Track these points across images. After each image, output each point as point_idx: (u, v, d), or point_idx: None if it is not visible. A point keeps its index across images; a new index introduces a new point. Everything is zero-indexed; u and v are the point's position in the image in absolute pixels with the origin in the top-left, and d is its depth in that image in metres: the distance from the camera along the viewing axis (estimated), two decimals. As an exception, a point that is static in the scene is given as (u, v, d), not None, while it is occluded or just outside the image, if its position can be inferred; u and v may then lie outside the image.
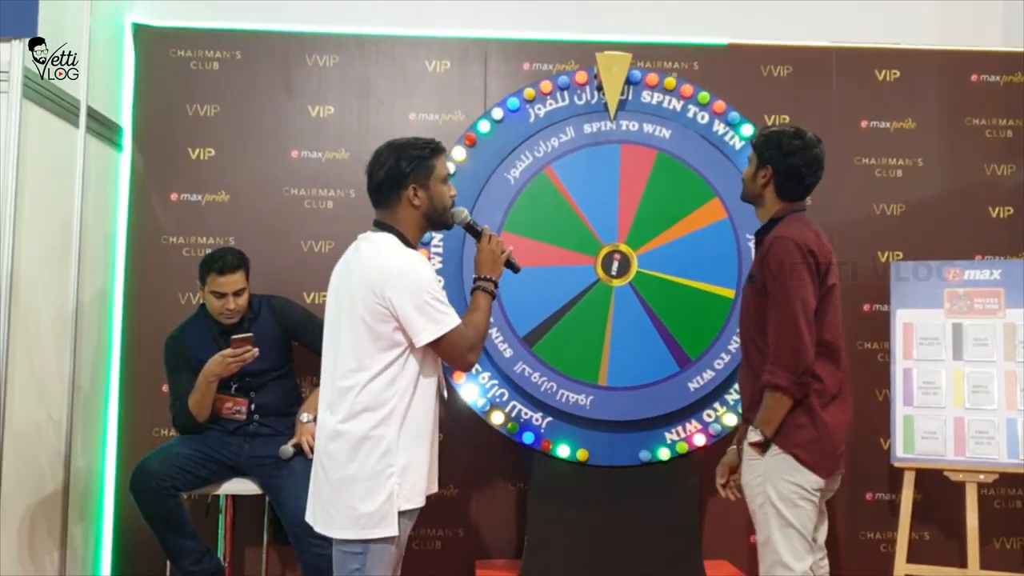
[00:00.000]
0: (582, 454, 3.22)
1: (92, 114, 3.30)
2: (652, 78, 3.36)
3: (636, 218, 3.28)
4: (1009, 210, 3.79)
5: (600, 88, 3.31)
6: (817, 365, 2.37)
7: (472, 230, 2.46)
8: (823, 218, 2.60)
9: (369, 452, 2.15)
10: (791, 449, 2.37)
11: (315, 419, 2.52)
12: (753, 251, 3.24)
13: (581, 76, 3.34)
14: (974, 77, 3.83)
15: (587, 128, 3.31)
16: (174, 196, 3.59)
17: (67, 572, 3.18)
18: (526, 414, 3.24)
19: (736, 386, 3.25)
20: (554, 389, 3.21)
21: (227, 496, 3.26)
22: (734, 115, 3.37)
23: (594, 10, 3.77)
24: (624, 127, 3.32)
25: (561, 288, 3.24)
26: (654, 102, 3.36)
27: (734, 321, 3.23)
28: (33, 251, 2.96)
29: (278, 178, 3.63)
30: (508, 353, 3.21)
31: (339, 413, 2.18)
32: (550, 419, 3.24)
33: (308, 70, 3.67)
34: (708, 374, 3.25)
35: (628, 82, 3.32)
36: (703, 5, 3.82)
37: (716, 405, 3.28)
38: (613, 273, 3.27)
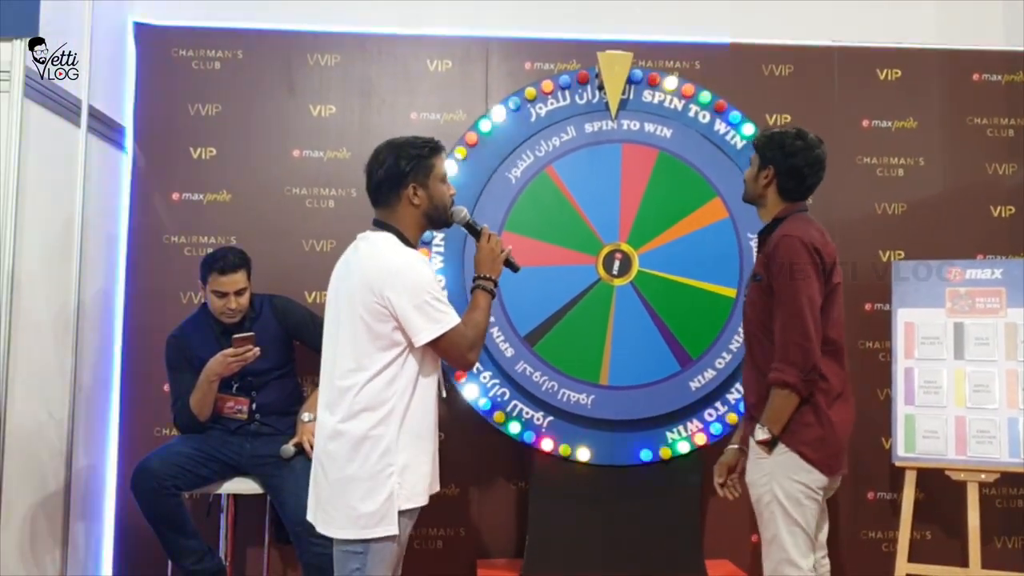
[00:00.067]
0: (583, 453, 3.22)
1: (94, 113, 3.31)
2: (653, 77, 3.36)
3: (637, 217, 3.28)
4: (1011, 209, 3.79)
5: (601, 87, 3.31)
6: (823, 364, 2.39)
7: (471, 229, 2.47)
8: (824, 217, 2.60)
9: (369, 452, 2.14)
10: (798, 447, 2.38)
11: (316, 418, 2.52)
12: (754, 250, 3.25)
13: (582, 75, 3.34)
14: (975, 76, 3.83)
15: (588, 127, 3.31)
16: (176, 195, 3.60)
17: (68, 571, 3.18)
18: (527, 413, 3.24)
19: (737, 385, 3.26)
20: (555, 388, 3.21)
21: (228, 495, 3.26)
22: (735, 114, 3.36)
23: (595, 9, 3.77)
24: (625, 126, 3.32)
25: (562, 287, 3.24)
26: (655, 101, 3.36)
27: (735, 320, 3.24)
28: (34, 250, 2.96)
29: (280, 177, 3.63)
30: (509, 352, 3.21)
31: (338, 413, 2.18)
32: (551, 418, 3.24)
33: (310, 69, 3.67)
34: (709, 373, 3.25)
35: (629, 81, 3.32)
36: (704, 4, 3.82)
37: (717, 404, 3.28)
38: (614, 272, 3.27)
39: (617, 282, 3.27)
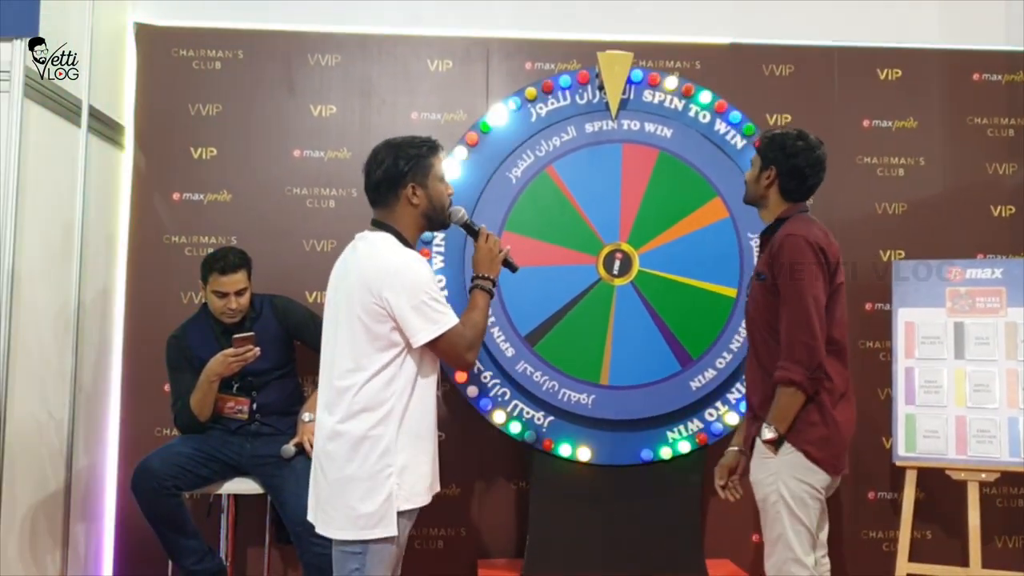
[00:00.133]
0: (584, 453, 3.22)
1: (94, 113, 3.31)
2: (654, 77, 3.36)
3: (638, 217, 3.28)
4: (1011, 209, 3.79)
5: (602, 87, 3.31)
6: (827, 363, 2.40)
7: (470, 229, 2.47)
8: (825, 217, 2.61)
9: (368, 452, 2.14)
10: (803, 446, 2.39)
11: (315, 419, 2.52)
12: (755, 250, 3.25)
13: (583, 75, 3.34)
14: (976, 76, 3.83)
15: (589, 127, 3.31)
16: (176, 195, 3.60)
17: (68, 571, 3.19)
18: (528, 413, 3.24)
19: (738, 385, 3.26)
20: (556, 388, 3.21)
21: (229, 496, 3.26)
22: (736, 114, 3.37)
23: (596, 9, 3.78)
24: (626, 126, 3.32)
25: (563, 287, 3.24)
26: (656, 101, 3.36)
27: (736, 320, 3.24)
28: (35, 250, 2.97)
29: (280, 177, 3.63)
30: (510, 352, 3.21)
31: (337, 413, 2.18)
32: (552, 418, 3.24)
33: (310, 69, 3.67)
34: (710, 373, 3.25)
35: (630, 81, 3.32)
36: (705, 5, 3.82)
37: (718, 404, 3.28)
38: (615, 272, 3.27)
39: (617, 282, 3.27)
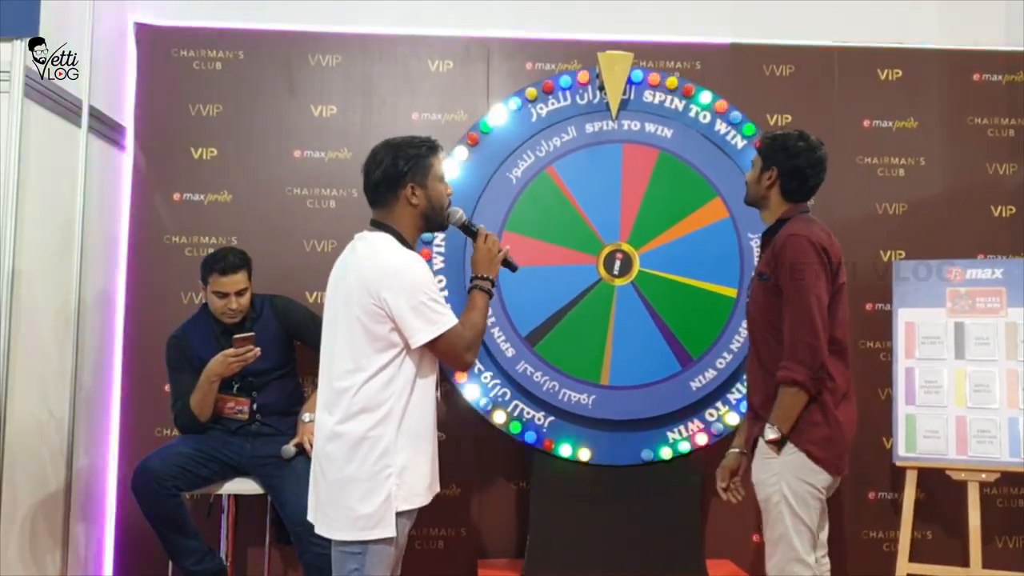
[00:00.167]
0: (584, 453, 3.22)
1: (94, 114, 3.31)
2: (654, 78, 3.36)
3: (638, 217, 3.28)
4: (1011, 209, 3.79)
5: (602, 88, 3.31)
6: (829, 363, 2.41)
7: (468, 230, 2.46)
8: (825, 217, 2.61)
9: (367, 453, 2.14)
10: (805, 446, 2.39)
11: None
12: (755, 250, 3.25)
13: (583, 76, 3.34)
14: (976, 76, 3.83)
15: (589, 128, 3.31)
16: (176, 196, 3.60)
17: (69, 571, 3.18)
18: (528, 413, 3.24)
19: (738, 385, 3.26)
20: (556, 388, 3.21)
21: (229, 496, 3.26)
22: (736, 115, 3.37)
23: (596, 10, 3.78)
24: (626, 127, 3.32)
25: (563, 287, 3.24)
26: (656, 102, 3.36)
27: (736, 320, 3.24)
28: (35, 250, 2.97)
29: (281, 178, 3.63)
30: (510, 352, 3.21)
31: (336, 414, 2.18)
32: (552, 418, 3.24)
33: (311, 70, 3.67)
34: (710, 373, 3.25)
35: (630, 82, 3.32)
36: (705, 5, 3.82)
37: (718, 404, 3.28)
38: (615, 272, 3.27)
39: (618, 282, 3.27)
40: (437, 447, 2.31)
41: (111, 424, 3.53)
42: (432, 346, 2.19)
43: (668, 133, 3.32)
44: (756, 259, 3.23)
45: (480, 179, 3.27)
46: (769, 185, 2.56)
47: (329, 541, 2.23)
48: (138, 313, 3.54)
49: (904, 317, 3.42)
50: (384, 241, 2.24)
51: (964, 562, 3.30)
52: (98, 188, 3.40)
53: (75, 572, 3.26)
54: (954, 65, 3.82)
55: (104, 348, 3.50)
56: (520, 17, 3.74)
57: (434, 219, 2.33)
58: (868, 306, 3.69)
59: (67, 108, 3.14)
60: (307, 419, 3.12)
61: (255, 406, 3.15)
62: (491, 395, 3.24)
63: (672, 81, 3.36)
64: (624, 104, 3.33)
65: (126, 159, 3.61)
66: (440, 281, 3.22)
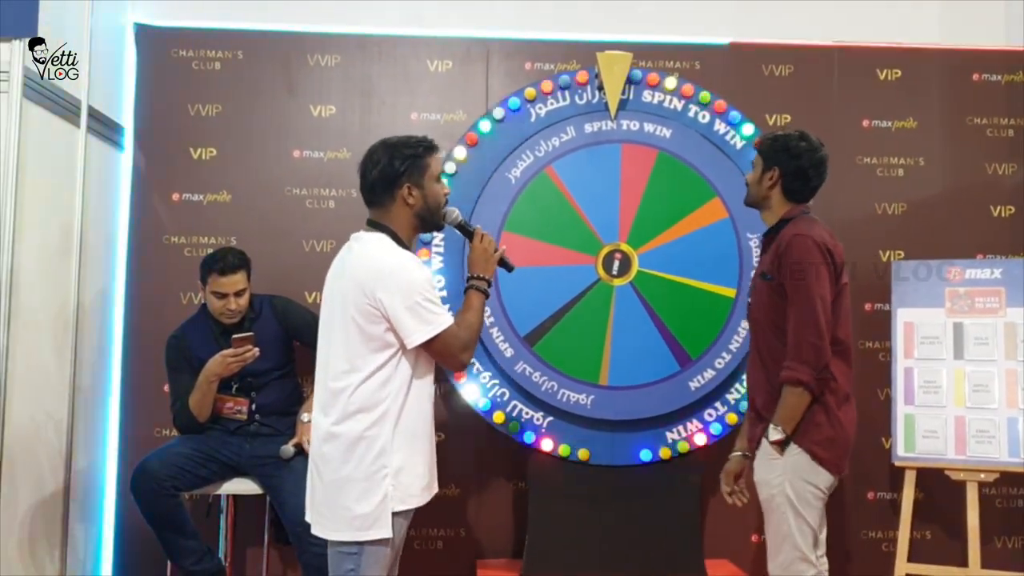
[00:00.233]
0: (583, 454, 3.22)
1: (93, 114, 3.31)
2: (653, 77, 3.36)
3: (637, 217, 3.28)
4: (1010, 209, 3.79)
5: (601, 88, 3.31)
6: (832, 364, 2.41)
7: (464, 230, 2.46)
8: (824, 217, 2.61)
9: (363, 453, 2.14)
10: (809, 447, 2.40)
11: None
12: (755, 250, 3.25)
13: (582, 76, 3.34)
14: (976, 76, 3.83)
15: (588, 128, 3.31)
16: (176, 196, 3.60)
17: (68, 572, 3.18)
18: (527, 414, 3.24)
19: (737, 385, 3.26)
20: (555, 388, 3.21)
21: (228, 496, 3.26)
22: (735, 114, 3.37)
23: (596, 10, 3.78)
24: (625, 127, 3.32)
25: (562, 287, 3.24)
26: (655, 101, 3.36)
27: (735, 320, 3.24)
28: (34, 251, 2.97)
29: (280, 178, 3.63)
30: (509, 353, 3.21)
31: (332, 415, 2.18)
32: (551, 419, 3.24)
33: (310, 70, 3.67)
34: (709, 373, 3.25)
35: (629, 81, 3.32)
36: (704, 5, 3.82)
37: (717, 404, 3.28)
38: (614, 272, 3.27)
39: (617, 282, 3.27)
40: (435, 447, 2.31)
41: (110, 424, 3.53)
42: (428, 346, 2.19)
43: (667, 133, 3.32)
44: (755, 259, 3.24)
45: (479, 179, 3.27)
46: (771, 186, 2.56)
47: (327, 541, 2.23)
48: (137, 313, 3.54)
49: (903, 317, 3.42)
50: (380, 241, 2.24)
51: (963, 562, 3.30)
52: (97, 188, 3.40)
53: (74, 572, 3.27)
54: (953, 65, 3.82)
55: (103, 348, 3.50)
56: (519, 17, 3.74)
57: (430, 219, 2.33)
58: (867, 306, 3.69)
59: (66, 108, 3.14)
60: (306, 419, 3.12)
61: (254, 406, 3.15)
62: (490, 395, 3.24)
63: (671, 81, 3.36)
64: (623, 104, 3.33)
65: (125, 159, 3.61)
66: (439, 281, 3.23)
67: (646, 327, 3.24)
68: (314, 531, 2.23)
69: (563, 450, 3.22)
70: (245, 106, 3.63)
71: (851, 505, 3.65)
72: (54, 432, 3.14)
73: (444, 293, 3.21)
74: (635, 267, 3.27)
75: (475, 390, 3.24)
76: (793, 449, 2.41)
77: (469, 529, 3.59)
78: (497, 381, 3.24)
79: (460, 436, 3.50)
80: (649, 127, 3.32)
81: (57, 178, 3.17)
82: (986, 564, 3.26)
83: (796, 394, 2.38)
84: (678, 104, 3.36)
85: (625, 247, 3.28)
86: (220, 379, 3.04)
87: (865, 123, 3.79)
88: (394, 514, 2.15)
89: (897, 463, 3.36)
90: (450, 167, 3.26)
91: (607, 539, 3.23)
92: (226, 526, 3.33)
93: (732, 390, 3.28)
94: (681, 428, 3.26)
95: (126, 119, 3.60)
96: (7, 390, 2.78)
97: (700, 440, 3.26)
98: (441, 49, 3.70)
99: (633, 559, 3.22)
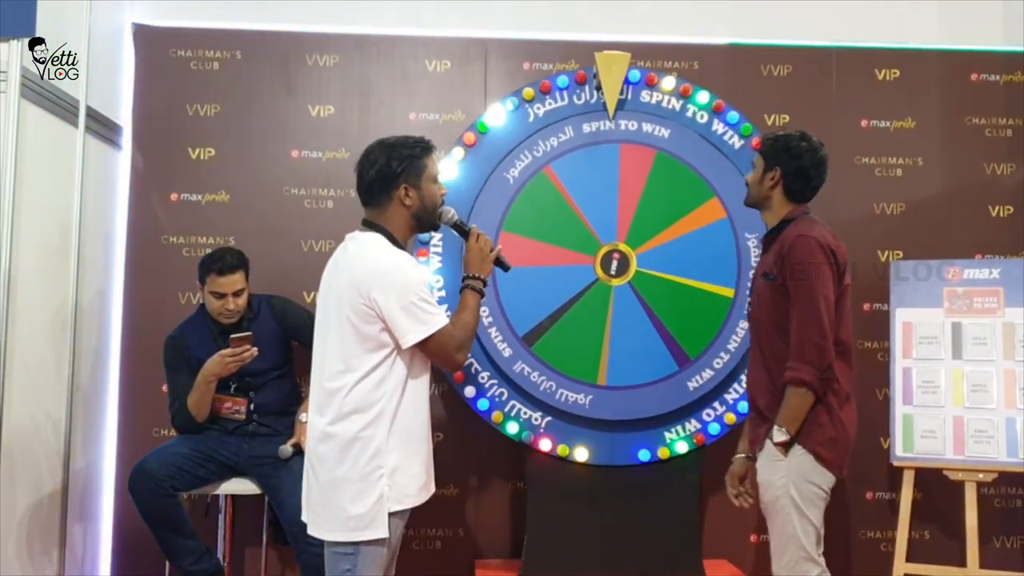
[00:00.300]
0: (581, 453, 3.22)
1: (92, 114, 3.31)
2: (651, 77, 3.35)
3: (635, 217, 3.28)
4: (1009, 209, 3.79)
5: (599, 88, 3.31)
6: (834, 364, 2.42)
7: (460, 229, 2.46)
8: (823, 217, 2.61)
9: (359, 454, 2.14)
10: (813, 447, 2.41)
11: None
12: (753, 250, 3.25)
13: (580, 76, 3.34)
14: (974, 76, 3.83)
15: (586, 128, 3.31)
16: (174, 196, 3.60)
17: (66, 572, 3.18)
18: (525, 413, 3.24)
19: (736, 385, 3.26)
20: (553, 388, 3.21)
21: (226, 496, 3.26)
22: (733, 115, 3.36)
23: (594, 10, 3.78)
24: (623, 126, 3.32)
25: (560, 287, 3.24)
26: (653, 101, 3.36)
27: (733, 320, 3.24)
28: (32, 251, 2.97)
29: (278, 178, 3.63)
30: (507, 352, 3.21)
31: (328, 415, 2.18)
32: (549, 418, 3.23)
33: (308, 70, 3.67)
34: (707, 373, 3.24)
35: (627, 82, 3.32)
36: (703, 5, 3.82)
37: (716, 404, 3.28)
38: (612, 272, 3.27)
39: (615, 282, 3.27)
40: (431, 448, 2.31)
41: (108, 424, 3.53)
42: (423, 346, 2.19)
43: (665, 133, 3.32)
44: (754, 259, 3.24)
45: (477, 179, 3.27)
46: (772, 186, 2.56)
47: (324, 541, 2.23)
48: (135, 313, 3.54)
49: (902, 317, 3.42)
50: (375, 241, 2.24)
51: (961, 562, 3.30)
52: (95, 188, 3.40)
53: (72, 572, 3.27)
54: (952, 65, 3.82)
55: (101, 348, 3.50)
56: (518, 17, 3.74)
57: (426, 219, 2.33)
58: (866, 306, 3.69)
59: (64, 108, 3.14)
60: (304, 419, 3.11)
61: (252, 406, 3.15)
62: (488, 395, 3.24)
63: (669, 81, 3.36)
64: (621, 104, 3.33)
65: (123, 159, 3.61)
66: (438, 281, 3.23)
67: (644, 327, 3.24)
68: (310, 531, 2.23)
69: (561, 450, 3.22)
70: (243, 106, 3.63)
71: (850, 505, 3.65)
72: (52, 432, 3.14)
73: (443, 293, 3.21)
74: (633, 267, 3.27)
75: (473, 390, 3.23)
76: (797, 450, 2.42)
77: (468, 529, 3.59)
78: (496, 381, 3.24)
79: (459, 436, 3.51)
80: (647, 127, 3.32)
81: (55, 178, 3.17)
82: (984, 564, 3.26)
83: (800, 395, 2.39)
84: (676, 104, 3.36)
85: (623, 247, 3.28)
86: (218, 379, 3.04)
87: (864, 123, 3.79)
88: (390, 514, 2.15)
89: (895, 463, 3.36)
90: (448, 167, 3.26)
91: (605, 539, 3.23)
92: (224, 526, 3.32)
93: (730, 390, 3.28)
94: (679, 428, 3.26)
95: (124, 119, 3.60)
96: (5, 390, 2.78)
97: (698, 440, 3.25)
98: (439, 49, 3.70)
99: (631, 559, 3.22)
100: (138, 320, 3.53)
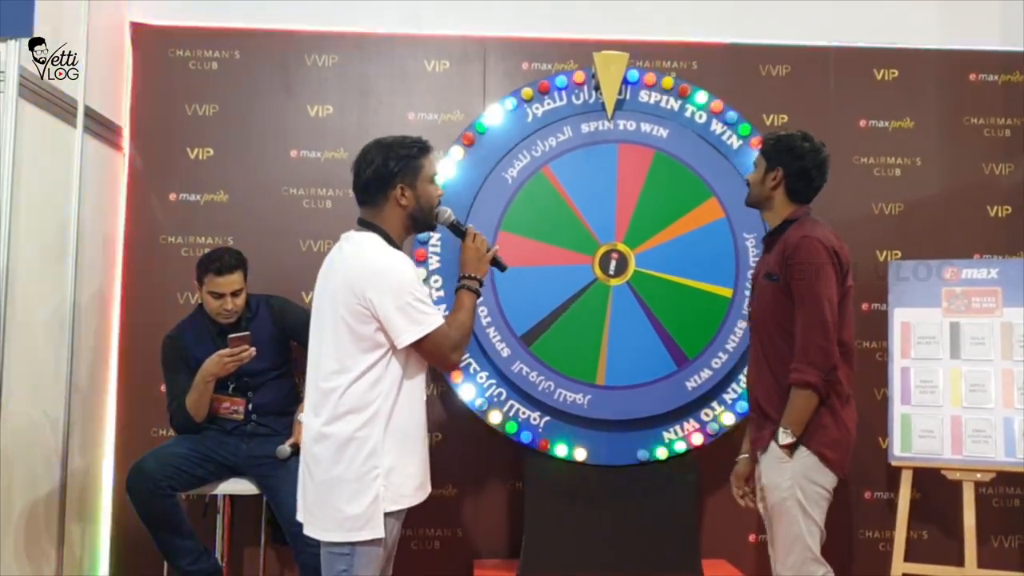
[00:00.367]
0: (580, 453, 3.22)
1: (90, 114, 3.30)
2: (650, 77, 3.36)
3: (634, 217, 3.28)
4: (1007, 209, 3.79)
5: (598, 88, 3.31)
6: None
7: (456, 229, 2.46)
8: (822, 217, 2.61)
9: (354, 454, 2.13)
10: (818, 449, 2.41)
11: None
12: (751, 250, 3.25)
13: (579, 76, 3.34)
14: (972, 76, 3.83)
15: (585, 127, 3.31)
16: (172, 196, 3.60)
17: (64, 572, 3.18)
18: (524, 413, 3.24)
19: (734, 385, 3.26)
20: (552, 388, 3.21)
21: (225, 496, 3.26)
22: (732, 114, 3.37)
23: (593, 9, 3.77)
24: (622, 126, 3.32)
25: (559, 287, 3.25)
26: (652, 101, 3.36)
27: (732, 320, 3.24)
28: (31, 251, 2.96)
29: (277, 178, 3.63)
30: (506, 352, 3.21)
31: (323, 415, 2.17)
32: (548, 418, 3.24)
33: (307, 70, 3.67)
34: (706, 373, 3.25)
35: (626, 81, 3.33)
36: (701, 5, 3.82)
37: (714, 404, 3.28)
38: (611, 272, 3.27)
39: (613, 282, 3.27)
40: (427, 448, 2.30)
41: (107, 424, 3.53)
42: (418, 346, 2.18)
43: (664, 133, 3.32)
44: (752, 259, 3.24)
45: (476, 179, 3.27)
46: (774, 186, 2.56)
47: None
48: (134, 313, 3.54)
49: (900, 317, 3.42)
50: (371, 241, 2.24)
51: (959, 562, 3.30)
52: (94, 188, 3.39)
53: (70, 572, 3.26)
54: (950, 65, 3.82)
55: (100, 348, 3.50)
56: (516, 17, 3.74)
57: (422, 220, 2.33)
58: (864, 306, 3.69)
59: (62, 108, 3.14)
60: (302, 419, 3.10)
61: (251, 406, 3.15)
62: (487, 395, 3.24)
63: (668, 81, 3.36)
64: (620, 104, 3.33)
65: (122, 159, 3.61)
66: (436, 281, 3.23)
67: (643, 327, 3.25)
68: (306, 531, 2.23)
69: (560, 450, 3.22)
70: (242, 106, 3.63)
71: (848, 505, 3.65)
72: (51, 432, 3.14)
73: (441, 293, 3.21)
74: (632, 267, 3.27)
75: (472, 390, 3.24)
76: (802, 452, 2.42)
77: (466, 529, 3.58)
78: (494, 381, 3.24)
79: (457, 436, 3.51)
80: (646, 127, 3.32)
81: (54, 178, 3.16)
82: (982, 564, 3.26)
83: (805, 396, 2.39)
84: (675, 104, 3.36)
85: (622, 247, 3.28)
86: (217, 379, 3.04)
87: (862, 123, 3.79)
88: (386, 515, 2.14)
89: (894, 463, 3.36)
90: (447, 167, 3.26)
91: (604, 539, 3.23)
92: (223, 526, 3.32)
93: (729, 390, 3.28)
94: (678, 428, 3.27)
95: (123, 119, 3.60)
96: (4, 390, 2.77)
97: (697, 440, 3.26)
98: (438, 49, 3.70)
99: (630, 559, 3.22)
100: (136, 320, 3.53)
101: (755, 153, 2.69)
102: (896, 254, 3.70)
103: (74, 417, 3.24)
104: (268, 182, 3.62)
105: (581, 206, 3.28)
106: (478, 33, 3.71)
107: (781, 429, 2.42)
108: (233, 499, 3.32)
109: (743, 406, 3.23)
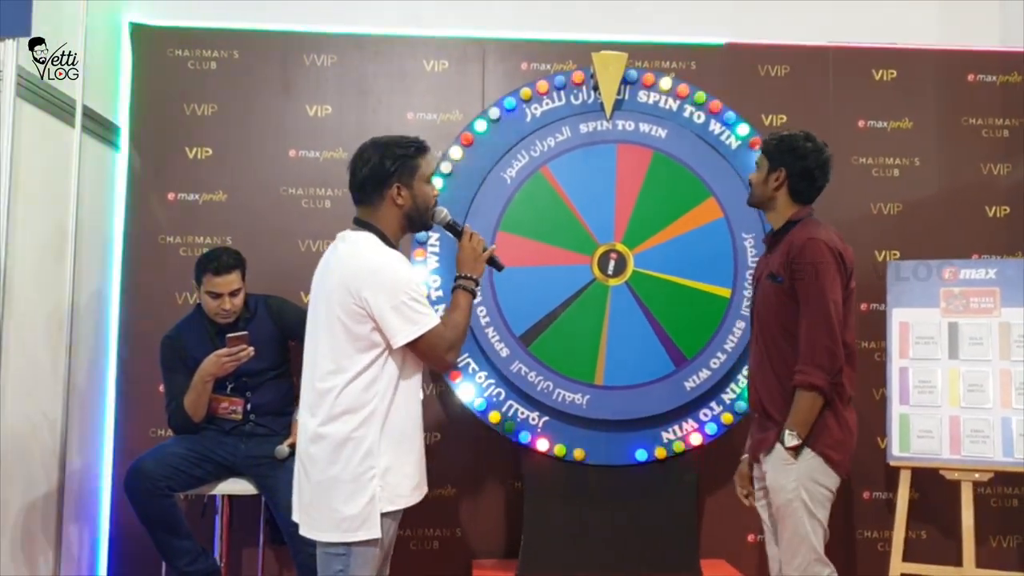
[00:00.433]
0: (578, 453, 3.22)
1: (88, 114, 3.30)
2: (648, 78, 3.36)
3: (632, 217, 3.28)
4: (1005, 209, 3.79)
5: (596, 88, 3.31)
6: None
7: (453, 229, 2.46)
8: (821, 218, 2.61)
9: (351, 454, 2.13)
10: (822, 450, 2.42)
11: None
12: (749, 250, 3.25)
13: (578, 76, 3.34)
14: (971, 77, 3.83)
15: (583, 128, 3.31)
16: (171, 196, 3.59)
17: (62, 572, 3.18)
18: (523, 413, 3.24)
19: (732, 385, 3.26)
20: (550, 388, 3.21)
21: (223, 496, 3.25)
22: (730, 115, 3.37)
23: (592, 10, 3.78)
24: (620, 127, 3.32)
25: (557, 287, 3.24)
26: (650, 102, 3.36)
27: (730, 320, 3.24)
28: (29, 251, 2.96)
29: (276, 177, 3.63)
30: (504, 352, 3.21)
31: (319, 415, 2.17)
32: (547, 418, 3.24)
33: (306, 69, 3.67)
34: (704, 373, 3.25)
35: (624, 82, 3.33)
36: (700, 5, 3.82)
37: (712, 404, 3.28)
38: (609, 272, 3.27)
39: (612, 282, 3.27)
40: (424, 448, 2.30)
41: (105, 424, 3.53)
42: (413, 346, 2.18)
43: (662, 133, 3.32)
44: (750, 259, 3.24)
45: (475, 179, 3.27)
46: (777, 187, 2.56)
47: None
48: (132, 313, 3.53)
49: (898, 317, 3.42)
50: (367, 240, 2.23)
51: (958, 562, 3.30)
52: (92, 188, 3.39)
53: (68, 573, 3.26)
54: (949, 65, 3.82)
55: (98, 348, 3.50)
56: (516, 17, 3.75)
57: (418, 220, 2.33)
58: (863, 306, 3.68)
59: (61, 108, 3.14)
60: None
61: (249, 406, 3.14)
62: (485, 395, 3.24)
63: (666, 81, 3.36)
64: (618, 104, 3.33)
65: (120, 159, 3.61)
66: (435, 281, 3.23)
67: (641, 327, 3.25)
68: (302, 532, 2.23)
69: (559, 450, 3.22)
70: (241, 106, 3.63)
71: (846, 505, 3.65)
72: (48, 432, 3.13)
73: (440, 293, 3.21)
74: (630, 267, 3.27)
75: (471, 390, 3.23)
76: (807, 453, 2.42)
77: (465, 529, 3.58)
78: (493, 381, 3.24)
79: (456, 436, 3.51)
80: (644, 127, 3.32)
81: (52, 178, 3.16)
82: (981, 564, 3.27)
83: (811, 398, 2.39)
84: (673, 104, 3.36)
85: (620, 247, 3.28)
86: (215, 379, 3.03)
87: (861, 123, 3.79)
88: (382, 515, 2.14)
89: (892, 463, 3.36)
90: (446, 167, 3.26)
91: (603, 539, 3.23)
92: (221, 526, 3.32)
93: (727, 390, 3.28)
94: (677, 428, 3.26)
95: (121, 118, 3.60)
96: (1, 390, 2.77)
97: (696, 440, 3.26)
98: (437, 49, 3.70)
99: (629, 559, 3.22)
100: (135, 320, 3.52)
101: (754, 153, 2.69)
102: (895, 254, 3.70)
103: (72, 417, 3.24)
104: (267, 182, 3.62)
105: (580, 206, 3.28)
106: (477, 33, 3.71)
107: (787, 431, 2.42)
108: (231, 499, 3.31)
109: (742, 406, 3.24)
